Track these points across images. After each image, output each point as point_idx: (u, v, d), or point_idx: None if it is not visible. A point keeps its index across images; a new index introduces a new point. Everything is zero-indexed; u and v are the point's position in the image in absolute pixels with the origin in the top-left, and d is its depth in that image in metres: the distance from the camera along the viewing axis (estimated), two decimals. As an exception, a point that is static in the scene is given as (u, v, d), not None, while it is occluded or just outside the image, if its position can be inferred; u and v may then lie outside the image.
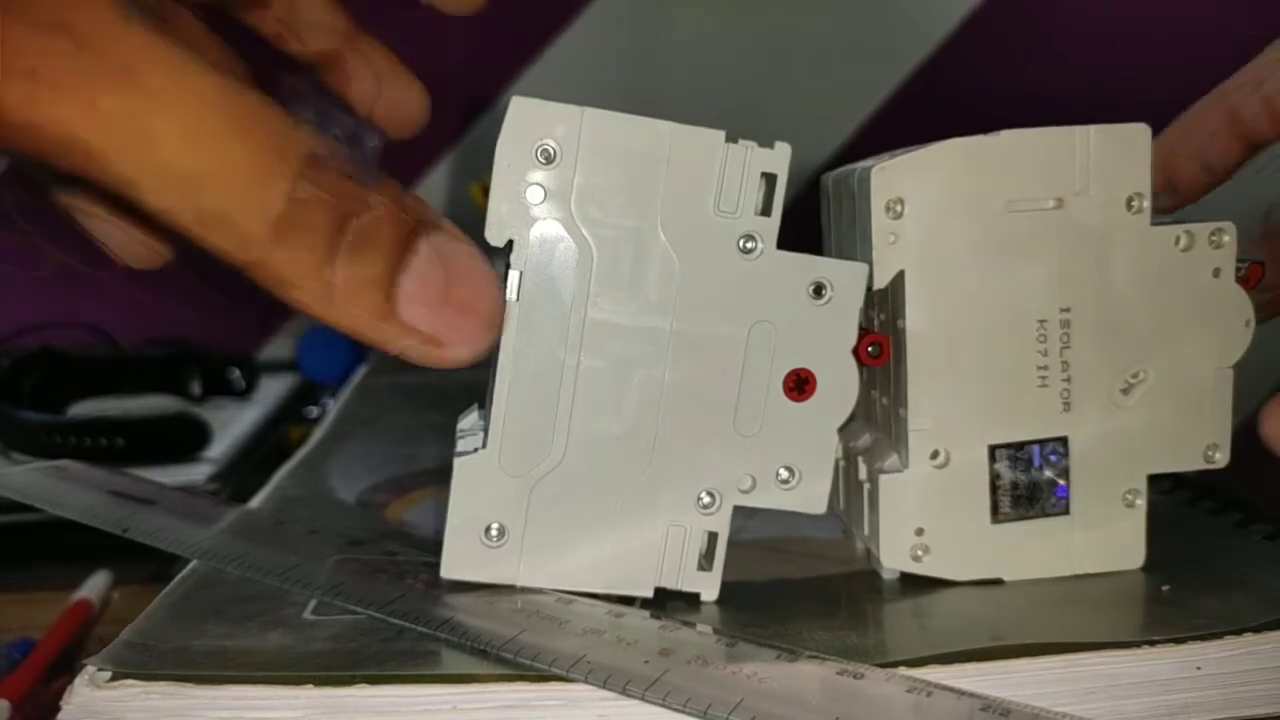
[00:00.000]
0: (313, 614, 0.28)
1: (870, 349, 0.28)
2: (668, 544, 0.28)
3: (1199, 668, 0.25)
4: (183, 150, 0.20)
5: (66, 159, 0.20)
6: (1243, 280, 0.29)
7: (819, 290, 0.27)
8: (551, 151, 0.26)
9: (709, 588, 0.29)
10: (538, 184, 0.26)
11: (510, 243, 0.26)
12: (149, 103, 0.20)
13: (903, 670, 0.24)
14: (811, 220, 0.32)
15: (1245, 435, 0.30)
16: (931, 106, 0.61)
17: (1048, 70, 0.59)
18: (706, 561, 0.28)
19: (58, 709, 0.24)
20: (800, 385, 0.28)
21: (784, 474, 0.28)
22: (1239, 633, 0.25)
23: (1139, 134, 0.29)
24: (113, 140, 0.20)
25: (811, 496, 0.28)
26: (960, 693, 0.23)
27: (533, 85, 0.54)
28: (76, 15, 0.19)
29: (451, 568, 0.28)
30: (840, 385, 0.28)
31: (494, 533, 0.28)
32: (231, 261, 0.21)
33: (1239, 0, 0.52)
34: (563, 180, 0.26)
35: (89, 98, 0.20)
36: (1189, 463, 0.30)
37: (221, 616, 0.28)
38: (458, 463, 0.27)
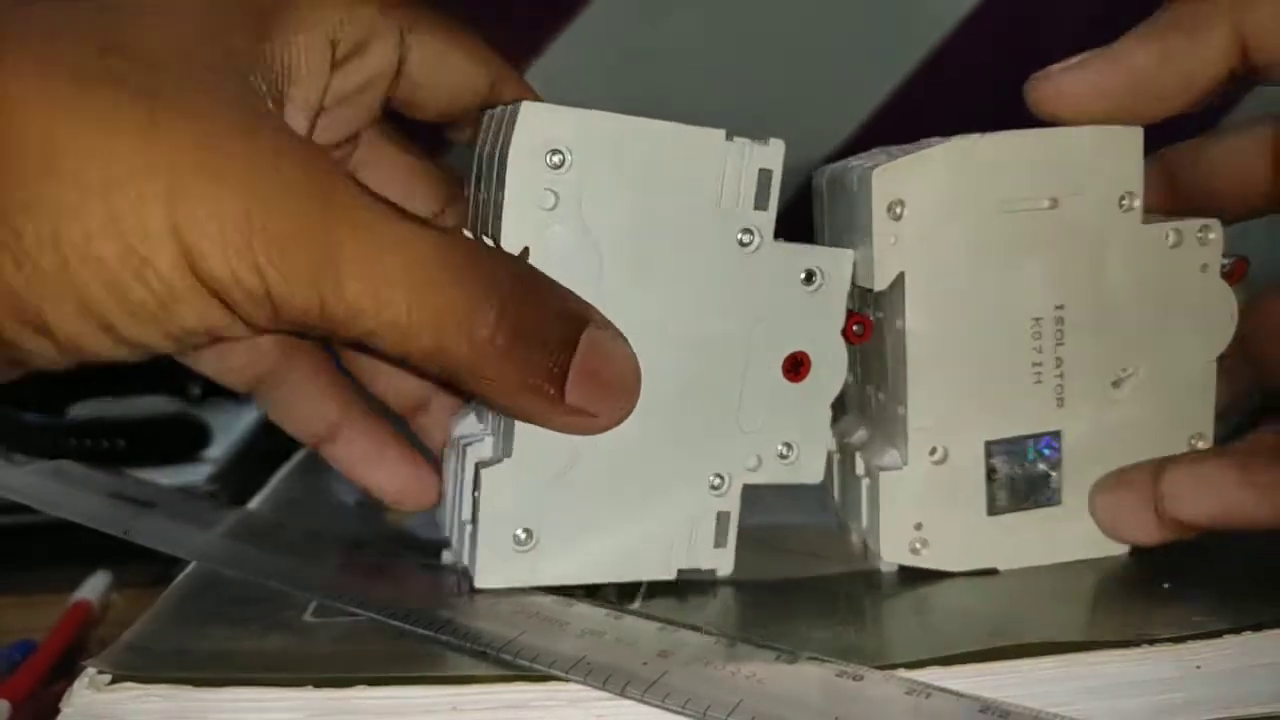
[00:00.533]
0: (313, 616, 0.28)
1: (855, 328, 0.29)
2: (684, 527, 0.29)
3: (1199, 666, 0.25)
4: (412, 304, 0.24)
5: (327, 325, 0.24)
6: (1227, 275, 0.30)
7: (810, 277, 0.28)
8: (561, 156, 0.26)
9: (724, 563, 0.30)
10: (549, 189, 0.26)
11: (525, 249, 0.26)
12: (390, 275, 0.23)
13: (901, 672, 0.24)
14: (806, 214, 0.32)
15: (1241, 431, 0.30)
16: (931, 106, 0.61)
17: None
18: (721, 539, 0.29)
19: (58, 711, 0.24)
20: (796, 367, 0.29)
21: (783, 450, 0.29)
22: (1238, 631, 0.25)
23: (1131, 135, 0.29)
24: (362, 304, 0.23)
25: (810, 469, 0.30)
26: (959, 695, 0.23)
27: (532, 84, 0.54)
28: (348, 213, 0.23)
29: (486, 577, 0.28)
30: (832, 363, 0.29)
31: (522, 537, 0.28)
32: (429, 367, 0.25)
33: None
34: (572, 184, 0.26)
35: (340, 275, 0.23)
36: (1174, 451, 0.30)
37: (222, 619, 0.28)
38: (484, 473, 0.28)
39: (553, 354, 0.25)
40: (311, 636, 0.27)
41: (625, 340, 0.27)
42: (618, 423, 0.27)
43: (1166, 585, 0.28)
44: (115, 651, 0.26)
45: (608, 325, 0.27)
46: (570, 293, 0.26)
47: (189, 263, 0.22)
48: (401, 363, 0.25)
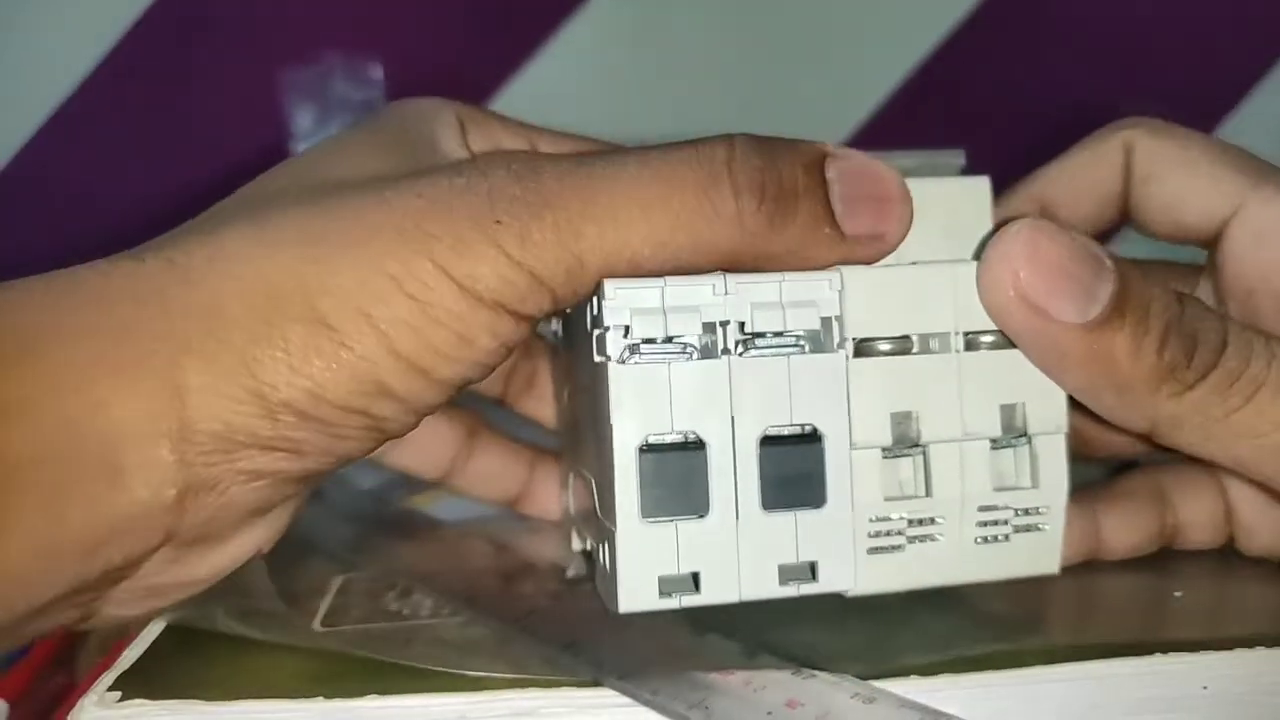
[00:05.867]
0: (322, 625, 0.28)
1: None
2: None
3: (1205, 686, 0.24)
4: (651, 219, 0.24)
5: (592, 276, 0.25)
6: None
7: None
8: None
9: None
10: None
11: None
12: (622, 211, 0.24)
13: (913, 679, 0.24)
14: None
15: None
16: (927, 112, 0.61)
17: (1048, 72, 0.59)
18: None
19: (55, 708, 0.24)
20: None
21: None
22: (1251, 645, 0.25)
23: None
24: (606, 238, 0.25)
25: None
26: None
27: (530, 83, 0.53)
28: (553, 176, 0.25)
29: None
30: None
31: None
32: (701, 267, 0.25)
33: (1237, 6, 0.52)
34: None
35: None
36: None
37: (230, 630, 0.27)
38: None
39: (811, 199, 0.25)
40: (321, 646, 0.27)
41: (862, 152, 0.26)
42: (907, 232, 0.26)
43: (1179, 594, 0.28)
44: (124, 667, 0.26)
45: (848, 151, 0.26)
46: (790, 140, 0.26)
47: (467, 289, 0.24)
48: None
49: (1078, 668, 0.25)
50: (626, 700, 0.24)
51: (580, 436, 0.30)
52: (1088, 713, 0.24)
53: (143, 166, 0.55)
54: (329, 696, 0.24)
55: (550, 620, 0.28)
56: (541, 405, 0.36)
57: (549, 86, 0.45)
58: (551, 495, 0.36)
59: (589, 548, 0.29)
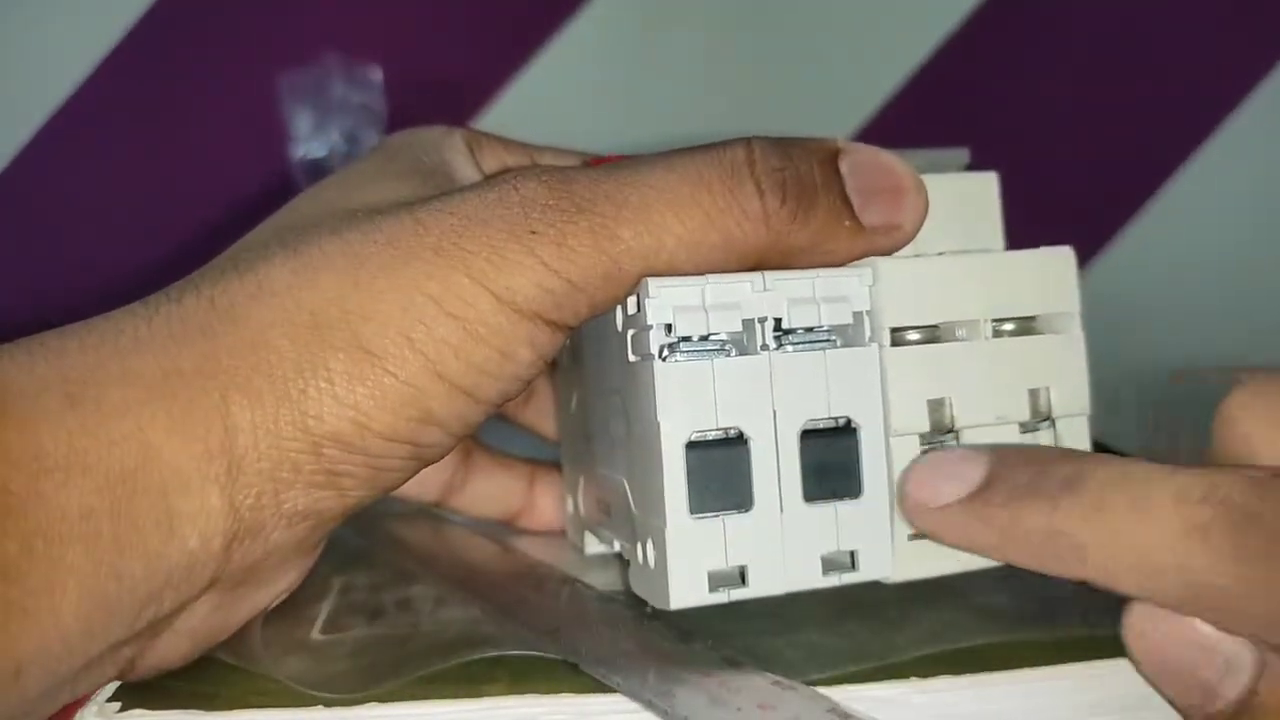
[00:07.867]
0: (321, 633, 0.28)
1: None
2: None
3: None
4: (682, 222, 0.25)
5: (628, 278, 0.25)
6: None
7: None
8: None
9: None
10: None
11: None
12: (650, 209, 0.25)
13: (913, 680, 0.24)
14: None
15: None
16: (932, 108, 0.61)
17: (1049, 73, 0.59)
18: None
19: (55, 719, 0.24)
20: None
21: None
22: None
23: None
24: (643, 241, 0.25)
25: None
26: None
27: (529, 87, 0.53)
28: (576, 185, 0.25)
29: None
30: None
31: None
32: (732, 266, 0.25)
33: (1238, 5, 0.52)
34: None
35: None
36: None
37: (231, 640, 0.27)
38: None
39: (828, 194, 0.26)
40: (322, 655, 0.27)
41: (872, 146, 0.27)
42: (922, 220, 0.26)
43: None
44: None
45: (855, 145, 0.27)
46: (802, 138, 0.27)
47: (506, 302, 0.24)
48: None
49: (1080, 667, 0.25)
50: (631, 706, 0.24)
51: (600, 439, 0.30)
52: (1090, 711, 0.24)
53: (140, 171, 0.55)
54: (329, 705, 0.24)
55: (541, 611, 0.28)
56: (541, 416, 0.36)
57: (548, 90, 0.44)
58: (554, 509, 0.36)
59: (618, 549, 0.29)
